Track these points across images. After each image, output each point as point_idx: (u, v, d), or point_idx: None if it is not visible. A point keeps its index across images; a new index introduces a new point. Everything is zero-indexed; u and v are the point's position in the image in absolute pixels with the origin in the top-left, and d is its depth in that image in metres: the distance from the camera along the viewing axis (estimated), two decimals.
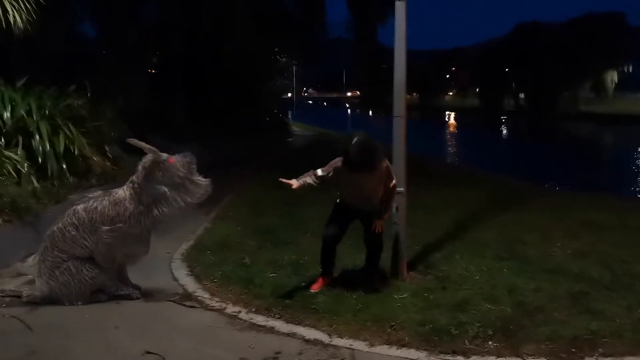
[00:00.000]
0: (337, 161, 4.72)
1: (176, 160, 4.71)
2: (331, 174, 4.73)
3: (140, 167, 4.65)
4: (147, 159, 4.64)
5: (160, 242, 5.49)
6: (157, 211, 4.69)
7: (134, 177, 4.67)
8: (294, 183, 4.71)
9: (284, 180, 4.69)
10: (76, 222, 4.60)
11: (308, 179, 4.74)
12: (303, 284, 5.00)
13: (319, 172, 4.75)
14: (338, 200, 5.01)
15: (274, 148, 19.70)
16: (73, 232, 4.58)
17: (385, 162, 4.75)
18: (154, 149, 4.65)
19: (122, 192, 4.67)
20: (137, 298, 4.85)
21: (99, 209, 4.60)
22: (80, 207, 4.65)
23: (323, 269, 5.02)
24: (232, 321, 4.37)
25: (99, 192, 4.81)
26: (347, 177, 4.71)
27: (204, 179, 4.81)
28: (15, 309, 4.54)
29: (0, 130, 7.25)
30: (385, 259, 5.42)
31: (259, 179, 11.10)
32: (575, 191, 12.99)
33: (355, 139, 4.57)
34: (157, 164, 4.63)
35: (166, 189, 4.66)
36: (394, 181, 4.83)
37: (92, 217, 4.58)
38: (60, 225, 4.63)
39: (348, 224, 5.00)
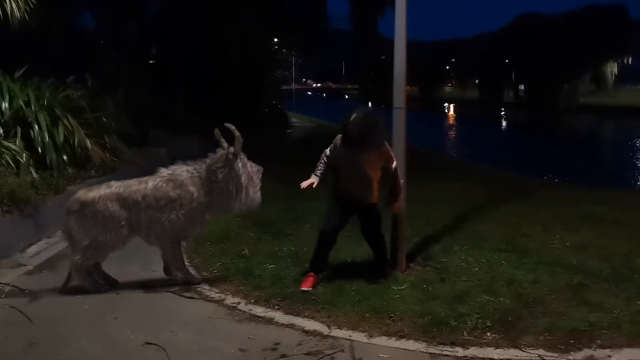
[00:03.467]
0: (337, 139, 4.62)
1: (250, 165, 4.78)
2: (332, 150, 4.66)
3: (223, 153, 4.66)
4: (236, 147, 4.67)
5: None
6: (214, 198, 4.72)
7: (209, 161, 4.70)
8: (314, 180, 4.66)
9: (305, 184, 4.63)
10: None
11: (321, 166, 4.70)
12: (301, 277, 4.99)
13: (325, 152, 4.72)
14: (333, 194, 4.87)
15: (274, 140, 19.66)
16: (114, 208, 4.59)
17: (386, 144, 4.66)
18: (240, 139, 4.68)
19: (185, 174, 4.70)
20: (199, 283, 4.93)
21: (160, 188, 4.64)
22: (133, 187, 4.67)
23: (314, 265, 4.86)
24: (231, 312, 4.38)
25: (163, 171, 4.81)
26: (345, 157, 4.59)
27: (257, 195, 4.81)
28: (14, 299, 4.55)
29: None
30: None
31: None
32: (575, 184, 12.98)
33: (354, 115, 4.40)
34: (237, 155, 4.66)
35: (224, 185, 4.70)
36: (395, 162, 4.75)
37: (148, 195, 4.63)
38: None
39: (347, 217, 4.88)
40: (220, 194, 4.70)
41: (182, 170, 4.75)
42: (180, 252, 5.00)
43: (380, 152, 4.63)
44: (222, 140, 4.70)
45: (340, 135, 4.56)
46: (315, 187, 4.70)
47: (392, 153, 4.73)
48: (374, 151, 4.57)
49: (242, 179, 4.69)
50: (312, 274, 4.82)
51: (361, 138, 4.39)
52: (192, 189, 4.67)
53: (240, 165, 4.68)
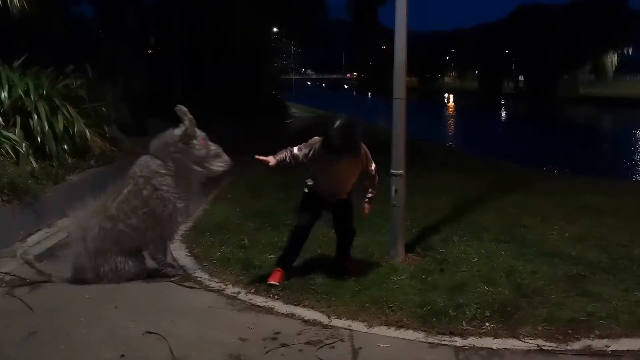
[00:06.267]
0: (316, 141, 4.51)
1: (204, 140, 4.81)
2: (309, 154, 4.53)
3: (182, 139, 4.70)
4: (189, 129, 4.68)
5: None
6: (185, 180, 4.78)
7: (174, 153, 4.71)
8: (271, 160, 4.52)
9: (260, 157, 4.51)
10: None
11: (285, 155, 4.56)
12: (301, 267, 5.00)
13: (295, 150, 4.56)
14: (307, 190, 4.79)
15: (273, 130, 19.64)
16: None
17: (364, 148, 4.59)
18: (194, 121, 4.70)
19: (154, 167, 4.73)
20: (174, 276, 4.89)
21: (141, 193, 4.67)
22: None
23: (285, 260, 4.79)
24: (231, 302, 4.39)
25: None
26: (325, 161, 4.50)
27: (220, 164, 4.88)
28: (15, 289, 4.56)
29: None
30: (383, 242, 5.45)
31: (257, 162, 11.06)
32: (574, 175, 12.98)
33: (337, 122, 4.34)
34: (192, 137, 4.68)
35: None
36: (373, 165, 4.70)
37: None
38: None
39: (320, 213, 4.80)
40: (188, 173, 4.76)
41: (152, 165, 4.75)
42: (160, 240, 4.94)
43: (360, 157, 4.58)
44: (185, 117, 4.71)
45: (320, 139, 4.48)
46: (268, 169, 4.66)
47: (369, 156, 4.66)
48: (355, 157, 4.53)
49: (202, 153, 4.75)
50: (279, 269, 4.74)
51: (344, 147, 4.36)
52: (165, 182, 4.68)
53: (195, 142, 4.72)
